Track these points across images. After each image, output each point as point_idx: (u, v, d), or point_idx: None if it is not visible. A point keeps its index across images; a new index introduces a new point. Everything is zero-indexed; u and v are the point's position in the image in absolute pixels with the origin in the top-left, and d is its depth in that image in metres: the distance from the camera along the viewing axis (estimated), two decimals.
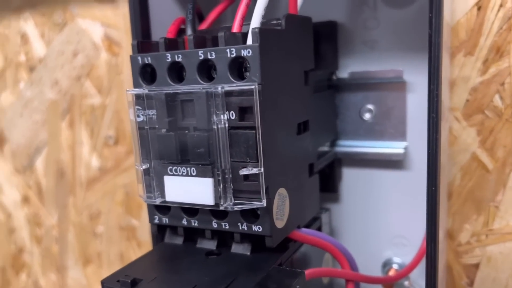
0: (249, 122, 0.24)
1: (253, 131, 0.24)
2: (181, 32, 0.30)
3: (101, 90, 0.48)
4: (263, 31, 0.24)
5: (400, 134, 0.35)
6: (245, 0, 0.26)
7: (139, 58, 0.27)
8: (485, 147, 0.35)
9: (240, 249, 0.28)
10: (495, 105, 0.33)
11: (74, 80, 0.49)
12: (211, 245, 0.29)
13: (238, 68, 0.25)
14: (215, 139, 0.24)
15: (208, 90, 0.24)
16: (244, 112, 0.24)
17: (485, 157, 0.35)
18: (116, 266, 0.52)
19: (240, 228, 0.26)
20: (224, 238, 0.29)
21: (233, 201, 0.25)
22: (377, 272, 0.37)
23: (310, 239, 0.29)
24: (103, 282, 0.25)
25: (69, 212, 0.53)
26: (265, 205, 0.24)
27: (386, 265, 0.37)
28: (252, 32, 0.24)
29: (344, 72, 0.35)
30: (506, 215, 0.34)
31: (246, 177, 0.25)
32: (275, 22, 0.28)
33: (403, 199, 0.36)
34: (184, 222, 0.28)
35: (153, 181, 0.26)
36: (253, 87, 0.23)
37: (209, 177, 0.25)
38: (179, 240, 0.30)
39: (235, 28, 0.26)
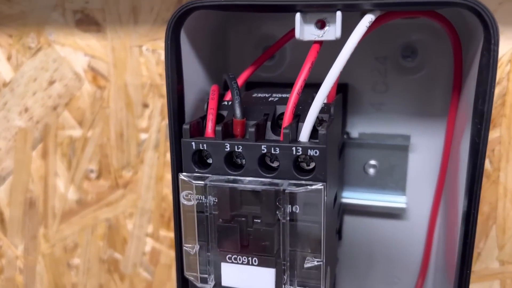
0: (313, 217, 0.25)
1: (317, 225, 0.25)
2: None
3: (82, 122, 0.45)
4: (328, 132, 0.25)
5: (400, 188, 0.38)
6: (296, 92, 0.27)
7: (193, 144, 0.27)
8: None
9: None
10: (486, 168, 0.37)
11: (49, 109, 0.46)
12: None
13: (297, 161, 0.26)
14: (280, 232, 0.25)
15: (277, 188, 0.25)
16: (308, 206, 0.25)
17: None
18: None
19: None
20: None
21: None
22: None
23: None
24: None
25: (38, 243, 0.50)
26: None
27: None
28: (320, 135, 0.25)
29: (354, 132, 0.38)
30: (486, 259, 0.39)
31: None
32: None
33: (397, 245, 0.39)
34: None
35: (211, 267, 0.27)
36: (322, 187, 0.25)
37: (272, 267, 0.26)
38: None
39: (287, 121, 0.27)
